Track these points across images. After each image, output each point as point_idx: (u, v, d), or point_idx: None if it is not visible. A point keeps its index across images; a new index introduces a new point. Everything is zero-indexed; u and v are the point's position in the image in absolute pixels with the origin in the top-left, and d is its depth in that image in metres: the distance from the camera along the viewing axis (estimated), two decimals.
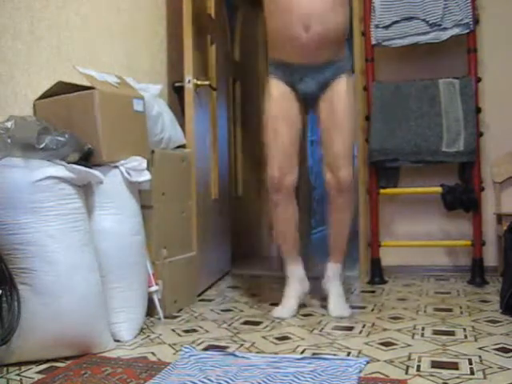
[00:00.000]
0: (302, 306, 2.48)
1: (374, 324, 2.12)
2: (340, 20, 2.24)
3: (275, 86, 2.34)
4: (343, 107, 2.29)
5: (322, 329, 2.09)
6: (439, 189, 2.98)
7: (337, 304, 2.35)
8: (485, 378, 1.53)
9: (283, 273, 2.49)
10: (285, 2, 2.21)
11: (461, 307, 2.37)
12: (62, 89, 2.02)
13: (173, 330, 2.12)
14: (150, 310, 2.23)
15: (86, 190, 1.93)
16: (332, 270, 2.45)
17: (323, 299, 2.64)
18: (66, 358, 1.75)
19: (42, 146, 1.76)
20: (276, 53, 2.33)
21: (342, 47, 2.31)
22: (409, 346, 1.85)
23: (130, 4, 2.79)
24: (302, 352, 1.81)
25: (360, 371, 1.60)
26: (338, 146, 2.29)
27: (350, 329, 2.07)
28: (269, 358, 1.73)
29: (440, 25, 2.94)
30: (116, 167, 2.02)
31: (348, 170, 2.30)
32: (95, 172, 1.91)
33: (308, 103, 2.38)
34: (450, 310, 2.32)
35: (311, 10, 2.17)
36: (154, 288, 2.22)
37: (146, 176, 2.12)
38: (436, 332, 2.00)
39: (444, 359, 1.70)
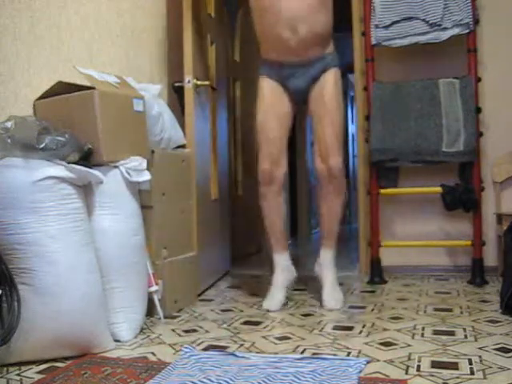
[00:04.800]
0: (301, 305, 2.48)
1: (373, 324, 2.12)
2: (325, 19, 2.38)
3: (266, 85, 2.50)
4: (332, 97, 2.43)
5: (322, 329, 2.09)
6: (439, 189, 2.98)
7: (330, 295, 2.46)
8: (485, 377, 1.53)
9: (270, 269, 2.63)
10: (270, 6, 2.33)
11: (461, 307, 2.37)
12: (62, 89, 2.02)
13: (173, 330, 2.12)
14: (150, 310, 2.23)
15: (86, 190, 1.93)
16: (325, 257, 2.55)
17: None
18: (66, 358, 1.75)
19: (41, 145, 1.76)
20: (266, 53, 2.49)
21: (328, 44, 2.45)
22: (409, 345, 1.85)
23: (130, 4, 2.79)
24: (302, 352, 1.81)
25: (360, 371, 1.60)
26: (329, 134, 2.41)
27: (350, 329, 2.07)
28: (269, 358, 1.73)
29: (440, 25, 2.94)
30: (116, 167, 2.02)
31: (338, 157, 2.41)
32: (95, 172, 1.91)
33: (299, 99, 2.51)
34: (450, 310, 2.32)
35: (297, 13, 2.30)
36: (154, 288, 2.22)
37: (146, 176, 2.12)
38: (436, 332, 2.00)
39: (444, 359, 1.70)
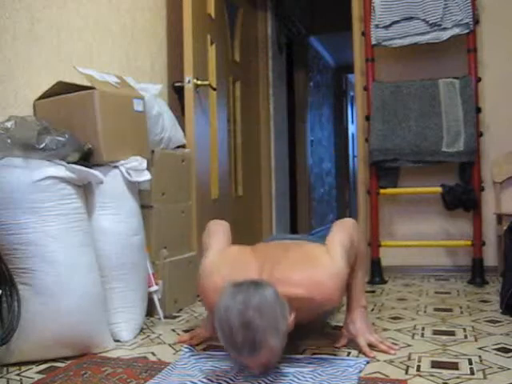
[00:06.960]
0: None
1: (374, 324, 2.12)
2: None
3: None
4: None
5: (323, 329, 2.09)
6: (439, 189, 2.98)
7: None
8: (485, 377, 1.53)
9: None
10: None
11: (461, 307, 2.37)
12: (62, 89, 2.02)
13: (173, 330, 2.12)
14: (150, 310, 2.23)
15: (85, 189, 1.93)
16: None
17: None
18: (66, 358, 1.75)
19: (42, 146, 1.76)
20: None
21: None
22: (409, 346, 1.85)
23: (130, 4, 2.79)
24: (302, 352, 1.81)
25: (360, 371, 1.60)
26: None
27: None
28: None
29: (440, 25, 2.94)
30: (116, 167, 2.03)
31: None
32: (95, 172, 1.91)
33: None
34: (450, 310, 2.32)
35: None
36: (154, 288, 2.22)
37: (146, 176, 2.13)
38: (436, 332, 2.00)
39: (444, 359, 1.70)
